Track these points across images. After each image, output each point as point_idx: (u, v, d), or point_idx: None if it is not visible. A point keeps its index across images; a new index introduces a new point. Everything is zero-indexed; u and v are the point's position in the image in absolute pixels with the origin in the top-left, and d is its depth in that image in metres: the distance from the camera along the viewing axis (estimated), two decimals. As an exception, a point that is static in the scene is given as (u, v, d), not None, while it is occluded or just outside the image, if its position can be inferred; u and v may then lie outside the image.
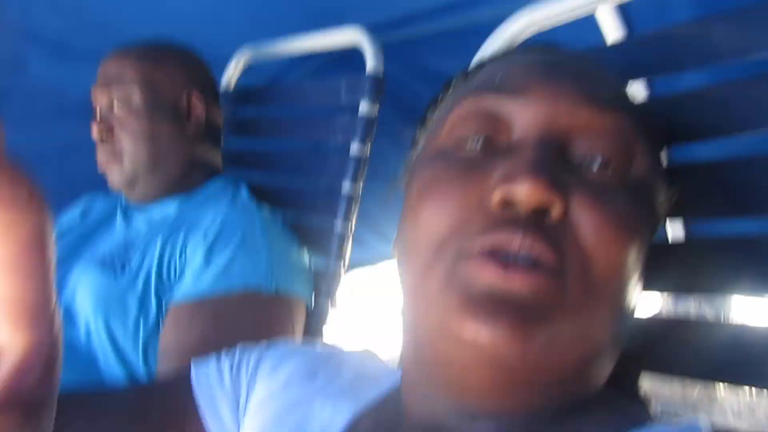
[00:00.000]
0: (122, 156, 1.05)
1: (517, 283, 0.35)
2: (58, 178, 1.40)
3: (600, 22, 0.89)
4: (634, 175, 0.41)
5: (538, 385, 0.38)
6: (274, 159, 1.30)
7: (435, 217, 0.39)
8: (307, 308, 1.03)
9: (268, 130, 1.33)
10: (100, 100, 1.06)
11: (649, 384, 0.53)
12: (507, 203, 0.36)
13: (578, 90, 0.41)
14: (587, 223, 0.37)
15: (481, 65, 0.49)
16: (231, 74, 1.43)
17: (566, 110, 0.40)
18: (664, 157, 0.50)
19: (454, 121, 0.43)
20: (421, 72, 1.54)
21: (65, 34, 1.41)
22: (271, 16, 1.43)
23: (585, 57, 0.52)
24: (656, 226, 0.45)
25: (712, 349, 0.52)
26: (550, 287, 0.35)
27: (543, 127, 0.39)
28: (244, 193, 1.12)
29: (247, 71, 1.45)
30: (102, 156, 1.06)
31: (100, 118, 1.06)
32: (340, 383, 0.51)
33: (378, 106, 1.07)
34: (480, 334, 0.34)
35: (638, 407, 0.45)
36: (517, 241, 0.35)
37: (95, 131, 1.04)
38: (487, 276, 0.35)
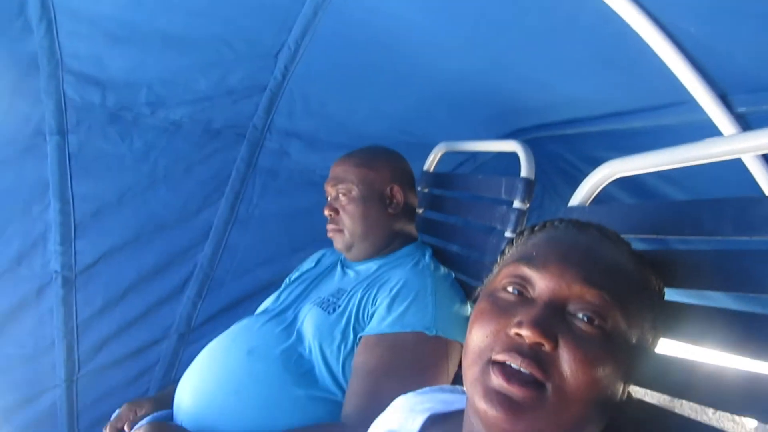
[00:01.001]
0: (343, 229, 1.51)
1: (513, 389, 0.64)
2: (307, 229, 1.96)
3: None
4: (610, 328, 0.66)
5: None
6: (453, 230, 1.66)
7: (479, 334, 0.70)
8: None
9: (450, 208, 1.70)
10: (329, 192, 1.54)
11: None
12: (519, 336, 0.66)
13: (578, 271, 0.68)
14: (567, 357, 0.64)
15: (522, 233, 0.81)
16: (431, 160, 1.85)
17: (567, 285, 0.68)
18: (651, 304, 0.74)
19: (503, 275, 0.73)
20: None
21: (315, 131, 1.95)
22: (460, 119, 1.82)
23: (597, 233, 0.76)
24: (640, 349, 0.70)
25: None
26: (533, 395, 0.63)
27: (551, 293, 0.68)
28: (427, 256, 1.50)
29: (442, 157, 1.86)
30: (330, 228, 1.53)
31: (329, 203, 1.53)
32: (430, 404, 0.84)
33: (528, 203, 1.36)
34: (488, 413, 0.64)
35: None
36: (519, 360, 0.64)
37: (326, 212, 1.52)
38: (498, 381, 0.65)
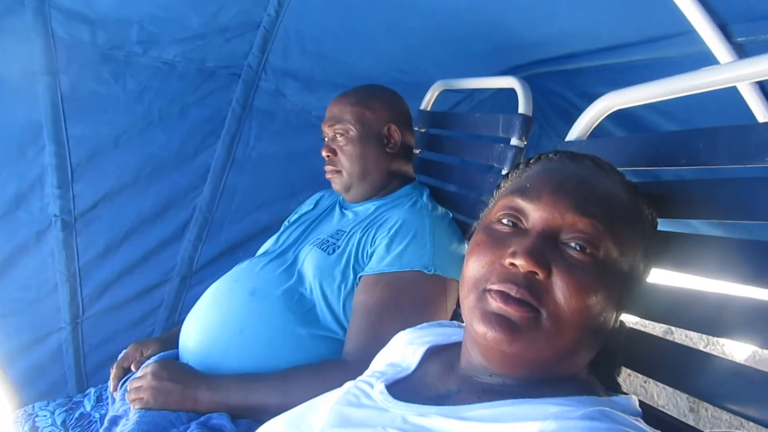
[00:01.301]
0: (341, 171, 1.50)
1: (511, 310, 0.66)
2: (305, 171, 1.95)
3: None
4: (602, 256, 0.67)
5: (522, 365, 0.69)
6: (450, 169, 1.66)
7: (475, 265, 0.71)
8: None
9: (447, 147, 1.69)
10: (326, 132, 1.53)
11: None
12: (513, 265, 0.67)
13: (570, 201, 0.69)
14: (560, 284, 0.65)
15: (517, 166, 0.81)
16: (428, 99, 1.83)
17: (560, 215, 0.68)
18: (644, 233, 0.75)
19: (498, 208, 0.74)
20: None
21: (310, 70, 1.92)
22: (458, 56, 1.78)
23: (590, 163, 0.76)
24: (632, 277, 0.71)
25: (682, 363, 0.76)
26: (530, 317, 0.65)
27: (544, 222, 0.69)
28: (425, 197, 1.50)
29: (439, 96, 1.83)
30: (328, 170, 1.52)
31: (327, 144, 1.52)
32: (429, 338, 0.86)
33: (526, 140, 1.35)
34: (488, 335, 0.66)
35: (599, 388, 0.73)
36: (514, 290, 0.66)
37: (324, 153, 1.51)
38: (496, 304, 0.66)
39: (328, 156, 1.52)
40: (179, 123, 1.85)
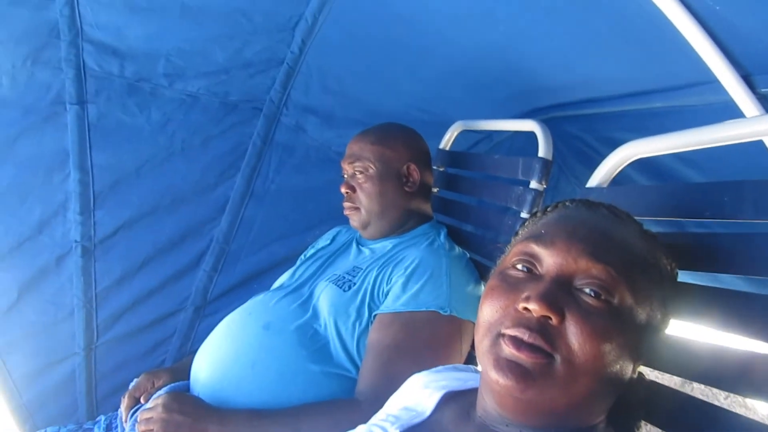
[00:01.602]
0: (360, 208, 1.51)
1: (523, 357, 0.65)
2: (322, 206, 1.97)
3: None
4: (617, 303, 0.67)
5: (537, 413, 0.68)
6: (468, 209, 1.66)
7: (489, 309, 0.71)
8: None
9: (466, 187, 1.69)
10: (346, 169, 1.54)
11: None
12: (527, 310, 0.67)
13: (584, 247, 0.69)
14: (573, 329, 0.65)
15: (535, 214, 0.81)
16: (448, 139, 1.84)
17: (573, 260, 0.69)
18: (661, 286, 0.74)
19: (513, 254, 0.74)
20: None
21: (331, 107, 1.95)
22: (478, 97, 1.80)
23: (606, 211, 0.76)
24: (649, 327, 0.70)
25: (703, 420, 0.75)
26: (543, 363, 0.65)
27: (558, 268, 0.69)
28: (442, 236, 1.50)
29: (458, 136, 1.85)
30: (346, 206, 1.53)
31: (346, 181, 1.53)
32: (445, 382, 0.85)
33: (545, 183, 1.35)
34: (500, 381, 0.66)
35: None
36: (527, 335, 0.65)
37: (343, 190, 1.52)
38: (509, 350, 0.66)
39: (347, 192, 1.53)
40: (200, 154, 1.88)
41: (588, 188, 1.02)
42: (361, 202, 1.51)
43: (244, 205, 1.97)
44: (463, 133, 1.85)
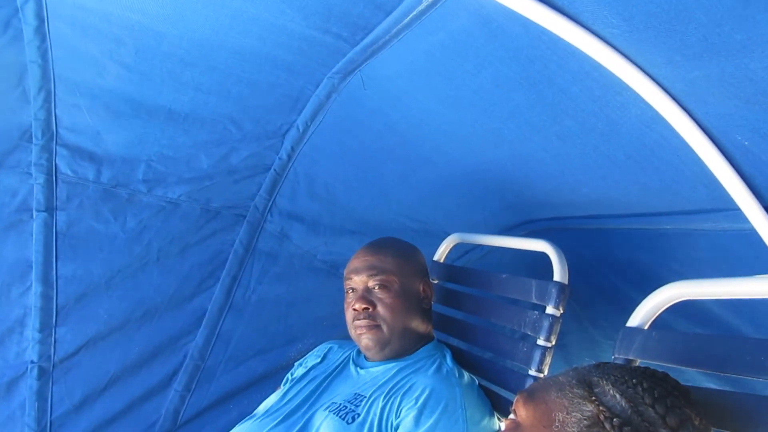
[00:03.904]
0: (381, 325, 1.37)
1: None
2: (306, 317, 1.85)
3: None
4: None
5: None
6: (474, 330, 1.55)
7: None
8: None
9: (469, 305, 1.59)
10: (360, 282, 1.40)
11: None
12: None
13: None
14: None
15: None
16: (442, 251, 1.76)
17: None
18: None
19: None
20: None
21: (318, 214, 1.87)
22: (470, 208, 1.76)
23: None
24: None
25: None
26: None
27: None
28: (449, 360, 1.39)
29: (453, 248, 1.78)
30: (362, 324, 1.37)
31: (362, 296, 1.39)
32: None
33: (563, 309, 1.28)
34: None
35: None
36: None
37: (359, 306, 1.37)
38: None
39: (365, 308, 1.38)
40: (178, 264, 1.76)
41: (630, 328, 0.96)
42: (384, 320, 1.37)
43: (222, 317, 1.83)
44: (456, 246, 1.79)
